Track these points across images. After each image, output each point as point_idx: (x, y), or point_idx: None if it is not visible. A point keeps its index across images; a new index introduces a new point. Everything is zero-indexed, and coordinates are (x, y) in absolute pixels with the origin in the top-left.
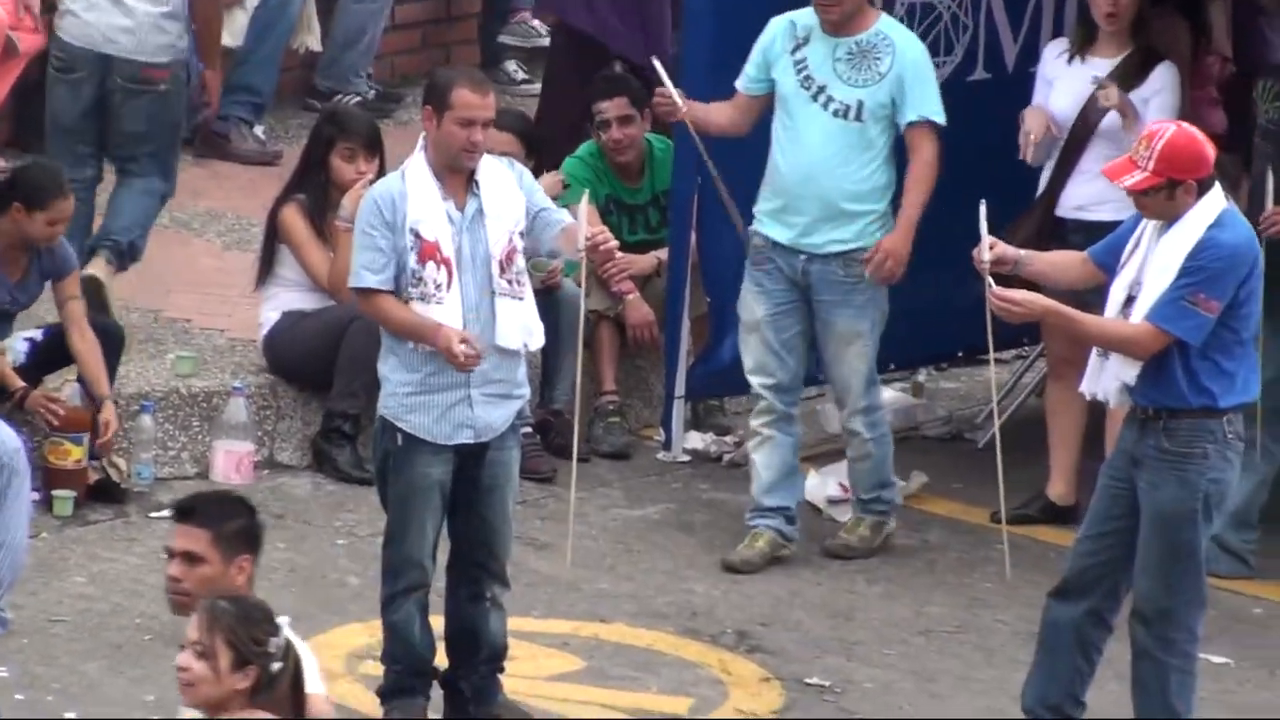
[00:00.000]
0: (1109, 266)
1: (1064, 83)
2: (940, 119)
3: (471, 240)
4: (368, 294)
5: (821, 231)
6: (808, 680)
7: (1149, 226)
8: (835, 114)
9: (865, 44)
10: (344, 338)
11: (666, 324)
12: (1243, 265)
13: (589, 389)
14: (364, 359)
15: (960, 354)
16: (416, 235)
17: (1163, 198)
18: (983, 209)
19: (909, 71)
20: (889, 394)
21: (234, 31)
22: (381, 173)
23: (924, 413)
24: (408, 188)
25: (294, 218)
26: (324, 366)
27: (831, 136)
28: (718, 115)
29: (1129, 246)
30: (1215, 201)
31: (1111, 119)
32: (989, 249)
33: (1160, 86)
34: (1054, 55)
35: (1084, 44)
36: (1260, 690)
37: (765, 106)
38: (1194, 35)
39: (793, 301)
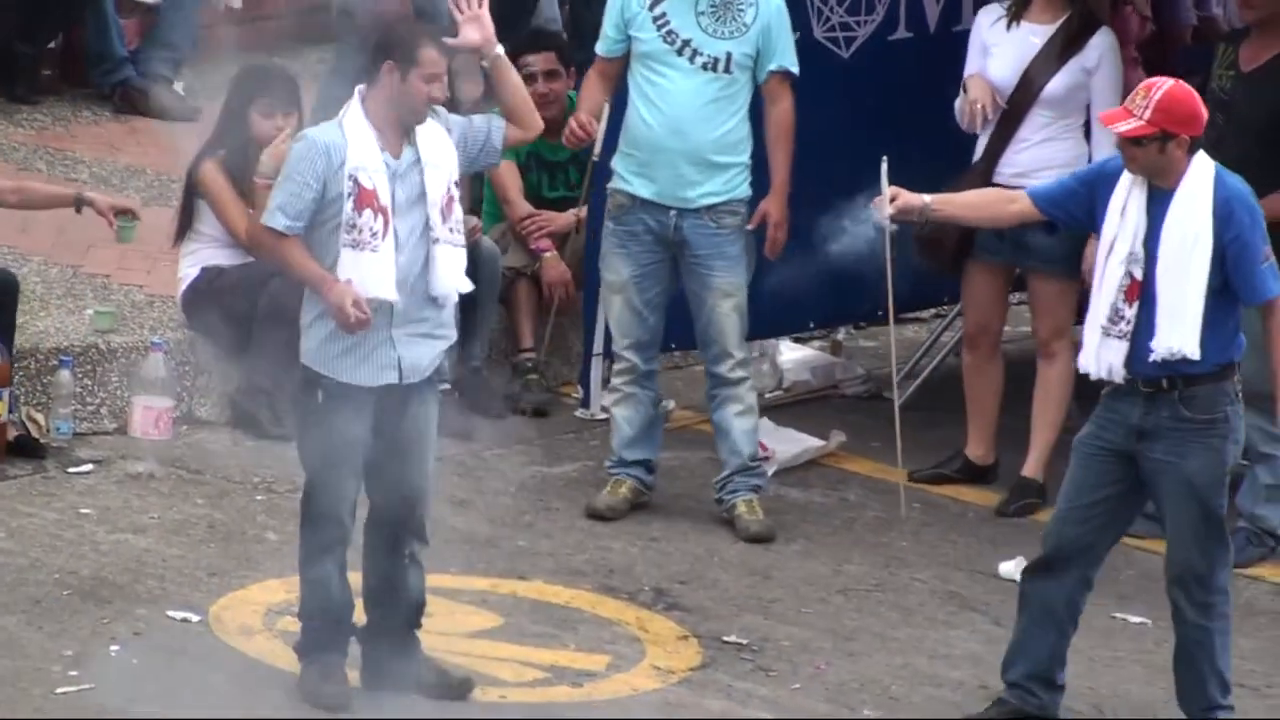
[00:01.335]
0: (1056, 218)
1: (1002, 49)
2: (796, 69)
3: (408, 188)
4: (276, 235)
5: (692, 186)
6: (725, 638)
7: (1133, 194)
8: (704, 67)
9: None
10: (264, 293)
11: (585, 282)
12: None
13: (507, 346)
14: (285, 315)
15: (880, 313)
16: (355, 182)
17: (1154, 149)
18: (884, 165)
19: (774, 21)
20: (808, 352)
21: None
22: (300, 127)
23: (842, 371)
24: (347, 137)
25: (213, 173)
26: (244, 322)
27: (700, 90)
28: (598, 97)
29: (1114, 215)
30: (1206, 161)
31: (1054, 87)
32: (890, 201)
33: (1100, 55)
34: (990, 21)
35: (1020, 8)
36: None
37: (624, 66)
38: None
39: (658, 261)
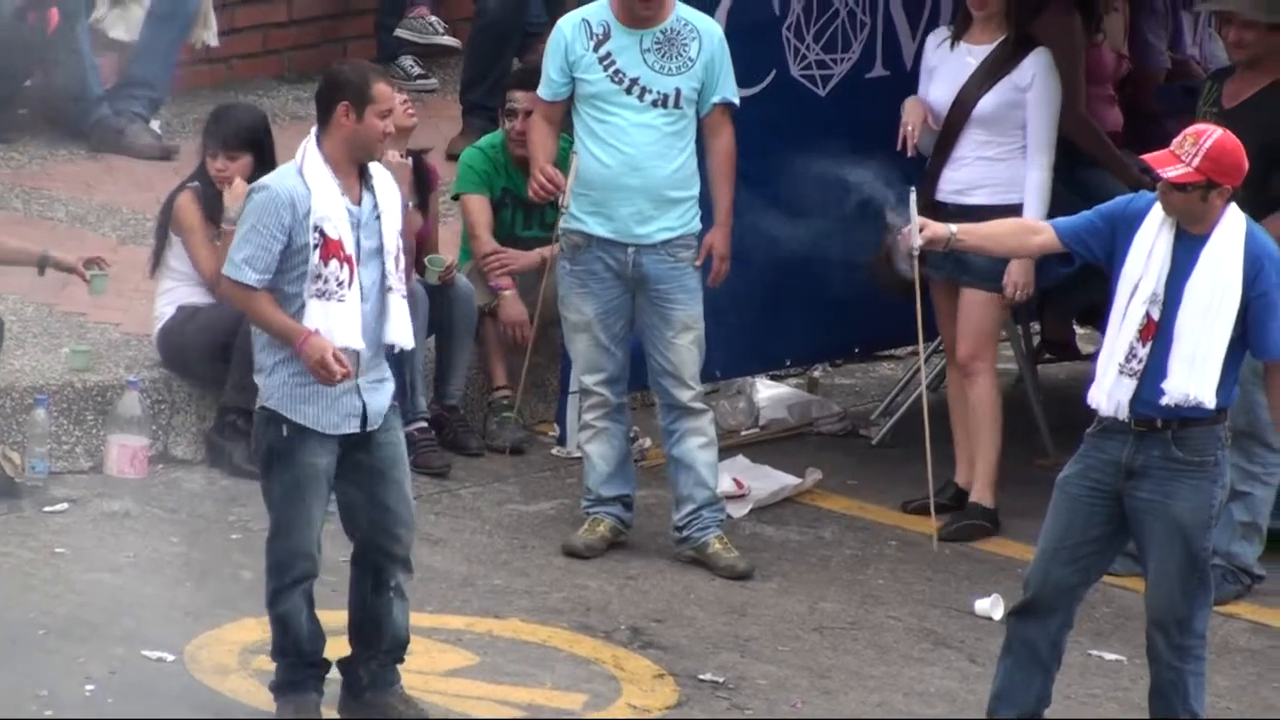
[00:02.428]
0: (1076, 252)
1: (941, 71)
2: (737, 100)
3: (368, 236)
4: (245, 290)
5: (650, 221)
6: (701, 676)
7: (1162, 234)
8: (653, 104)
9: (670, 32)
10: (239, 332)
11: (560, 320)
12: None
13: (483, 384)
14: None
15: (856, 350)
16: (321, 232)
17: (1197, 197)
18: (912, 195)
19: (717, 53)
20: (784, 390)
21: (130, 26)
22: (270, 168)
23: (819, 409)
24: (309, 186)
25: (187, 204)
26: (218, 361)
27: (652, 127)
28: (550, 144)
29: (1139, 255)
30: (1238, 212)
31: (984, 105)
32: (919, 231)
33: (1035, 73)
34: (934, 45)
35: (961, 30)
36: None
37: (567, 109)
38: (1088, 29)
39: (620, 297)
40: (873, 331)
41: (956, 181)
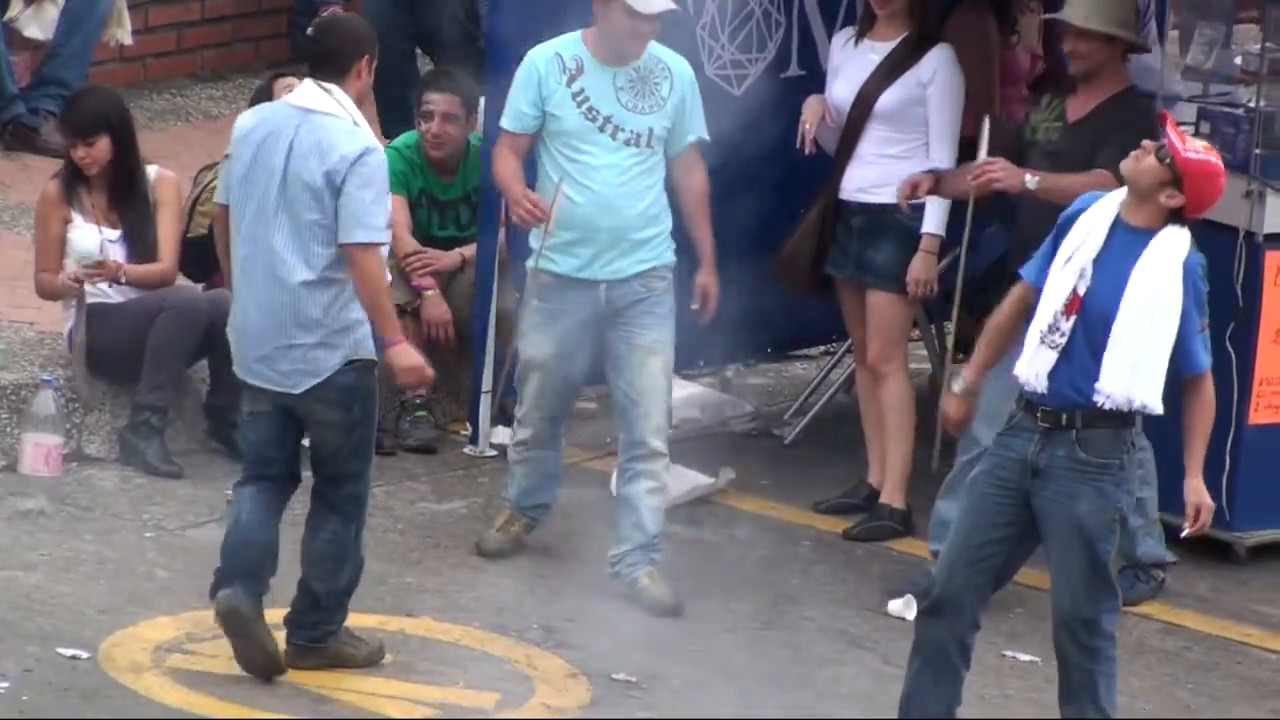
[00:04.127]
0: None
1: (845, 69)
2: (708, 137)
3: None
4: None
5: (622, 257)
6: (614, 676)
7: (1102, 217)
8: (626, 143)
9: (644, 70)
10: (151, 330)
11: (474, 320)
12: None
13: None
14: (171, 352)
15: (769, 350)
16: None
17: (1157, 173)
18: (985, 124)
19: (689, 93)
20: (696, 389)
21: (44, 25)
22: (128, 147)
23: (731, 408)
24: None
25: (47, 197)
26: (132, 359)
27: (623, 165)
28: (521, 173)
29: (1080, 231)
30: (1184, 231)
31: (885, 101)
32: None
33: (935, 68)
34: (840, 44)
35: (865, 28)
36: None
37: (532, 142)
38: (1002, 30)
39: (585, 338)
40: (785, 331)
41: (859, 180)
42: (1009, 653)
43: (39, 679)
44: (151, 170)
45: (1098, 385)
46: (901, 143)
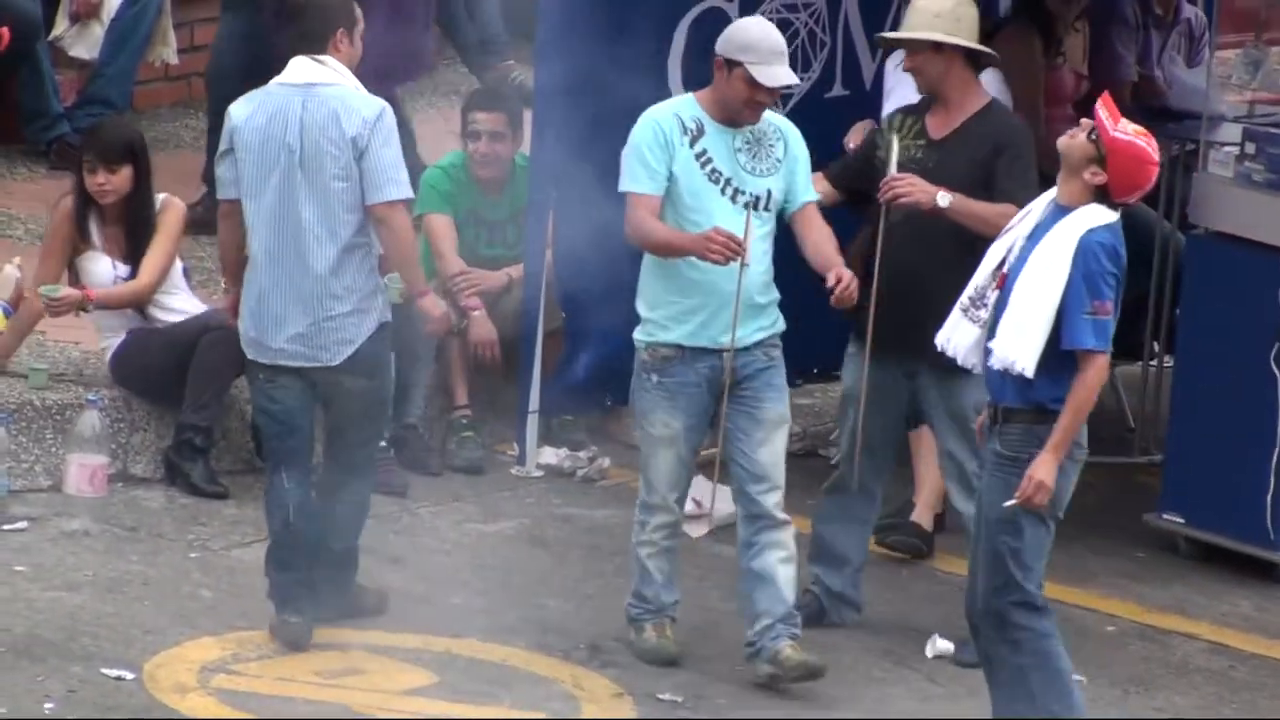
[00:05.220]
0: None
1: (896, 92)
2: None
3: None
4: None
5: (741, 326)
6: (660, 696)
7: (1045, 197)
8: (745, 206)
9: (759, 133)
10: (195, 351)
11: (522, 340)
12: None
13: (443, 403)
14: (215, 372)
15: (815, 370)
16: None
17: (1085, 152)
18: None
19: (801, 153)
20: None
21: (90, 44)
22: (147, 180)
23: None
24: None
25: (58, 215)
26: (173, 381)
27: (740, 227)
28: (672, 228)
29: (1026, 209)
30: (1108, 212)
31: None
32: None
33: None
34: (893, 66)
35: None
36: (1112, 709)
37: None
38: (1047, 50)
39: (707, 407)
40: (831, 352)
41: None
42: None
43: (84, 700)
44: (159, 198)
45: (989, 344)
46: None
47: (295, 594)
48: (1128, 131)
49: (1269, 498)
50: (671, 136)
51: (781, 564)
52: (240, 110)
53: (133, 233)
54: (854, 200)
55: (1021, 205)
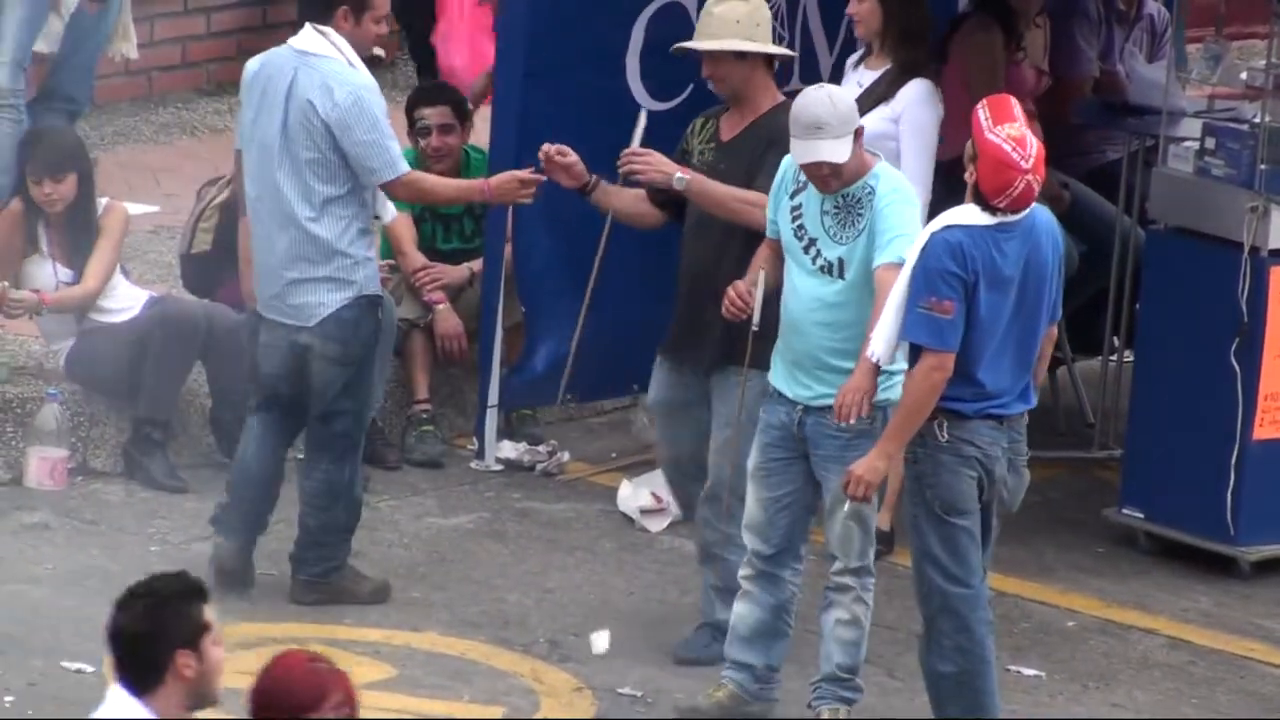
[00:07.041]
0: None
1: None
2: (905, 258)
3: None
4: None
5: (811, 384)
6: (620, 690)
7: None
8: (821, 269)
9: (851, 197)
10: (148, 346)
11: (480, 333)
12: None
13: (402, 398)
14: (169, 366)
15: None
16: None
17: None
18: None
19: (878, 221)
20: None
21: (50, 38)
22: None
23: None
24: None
25: (9, 211)
26: (129, 378)
27: (815, 291)
28: (760, 265)
29: None
30: (978, 212)
31: (874, 126)
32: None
33: (906, 104)
34: (849, 66)
35: (867, 53)
36: (1072, 704)
37: None
38: (1009, 45)
39: (787, 459)
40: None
41: None
42: (1013, 667)
43: (43, 693)
44: (101, 202)
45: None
46: None
47: (229, 519)
48: (1000, 135)
49: (1229, 493)
50: (785, 182)
51: (840, 625)
52: (252, 65)
53: (77, 238)
54: (679, 215)
55: None
